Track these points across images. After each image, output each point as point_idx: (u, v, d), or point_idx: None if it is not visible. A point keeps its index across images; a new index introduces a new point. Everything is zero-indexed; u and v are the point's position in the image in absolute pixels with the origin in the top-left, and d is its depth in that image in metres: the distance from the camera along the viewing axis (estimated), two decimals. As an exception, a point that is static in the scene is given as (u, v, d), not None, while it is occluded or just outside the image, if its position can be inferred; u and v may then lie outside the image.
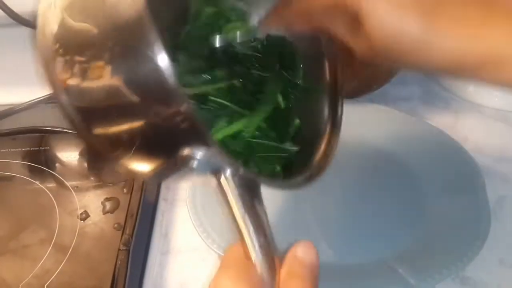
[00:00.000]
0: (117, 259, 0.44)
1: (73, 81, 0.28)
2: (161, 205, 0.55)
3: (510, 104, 0.64)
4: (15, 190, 0.54)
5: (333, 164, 0.48)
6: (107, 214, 0.50)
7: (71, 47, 0.28)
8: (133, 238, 0.46)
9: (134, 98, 0.26)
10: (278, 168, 0.39)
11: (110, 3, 0.26)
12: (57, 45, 0.29)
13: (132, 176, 0.33)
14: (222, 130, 0.38)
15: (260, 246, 0.28)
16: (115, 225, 0.48)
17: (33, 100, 0.68)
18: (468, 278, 0.45)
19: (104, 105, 0.27)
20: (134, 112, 0.27)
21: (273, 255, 0.28)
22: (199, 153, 0.27)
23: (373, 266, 0.45)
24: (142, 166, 0.30)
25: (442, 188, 0.51)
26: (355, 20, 0.31)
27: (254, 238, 0.28)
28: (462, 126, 0.62)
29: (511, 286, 0.45)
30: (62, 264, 0.45)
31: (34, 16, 0.62)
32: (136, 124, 0.27)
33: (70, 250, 0.46)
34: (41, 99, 0.68)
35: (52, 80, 0.30)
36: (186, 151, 0.27)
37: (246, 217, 0.28)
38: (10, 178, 0.55)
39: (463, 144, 0.55)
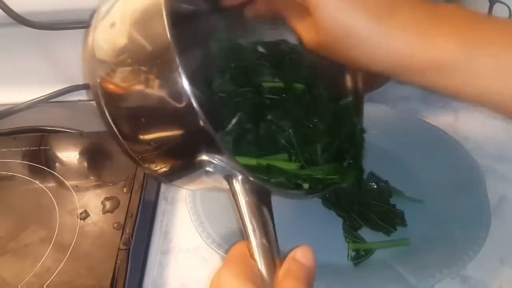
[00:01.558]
0: (117, 258, 0.44)
1: (135, 87, 0.31)
2: (161, 205, 0.55)
3: (510, 104, 0.64)
4: (15, 189, 0.54)
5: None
6: (107, 214, 0.50)
7: (138, 59, 0.31)
8: (133, 237, 0.46)
9: (167, 113, 0.30)
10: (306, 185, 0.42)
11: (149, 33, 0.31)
12: (124, 56, 0.32)
13: (152, 174, 0.37)
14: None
15: (263, 247, 0.30)
16: (115, 225, 0.48)
17: (33, 99, 0.68)
18: (469, 277, 0.45)
19: (147, 112, 0.31)
20: (165, 123, 0.31)
21: (274, 256, 0.30)
22: (216, 159, 0.31)
23: (373, 266, 0.45)
24: (163, 166, 0.34)
25: (442, 188, 0.51)
26: (305, 10, 0.32)
27: (258, 239, 0.30)
28: (462, 126, 0.62)
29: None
30: (62, 263, 0.45)
31: (34, 15, 0.62)
32: (166, 132, 0.31)
33: (70, 250, 0.46)
34: (41, 99, 0.68)
35: (105, 85, 0.33)
36: (204, 156, 0.31)
37: (253, 219, 0.31)
38: (10, 178, 0.55)
39: (463, 144, 0.55)
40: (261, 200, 0.32)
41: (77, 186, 0.53)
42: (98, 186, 0.53)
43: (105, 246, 0.46)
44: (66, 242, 0.47)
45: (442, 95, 0.32)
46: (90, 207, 0.51)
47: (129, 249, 0.45)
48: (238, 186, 0.32)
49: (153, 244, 0.50)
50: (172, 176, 0.36)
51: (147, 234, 0.51)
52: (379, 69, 0.32)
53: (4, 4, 0.58)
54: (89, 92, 0.70)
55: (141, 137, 0.32)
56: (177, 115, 0.30)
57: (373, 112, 0.61)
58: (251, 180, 0.32)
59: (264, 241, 0.30)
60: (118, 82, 0.32)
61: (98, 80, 0.33)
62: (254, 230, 0.31)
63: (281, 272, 0.29)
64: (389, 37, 0.30)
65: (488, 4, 0.57)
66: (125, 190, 0.52)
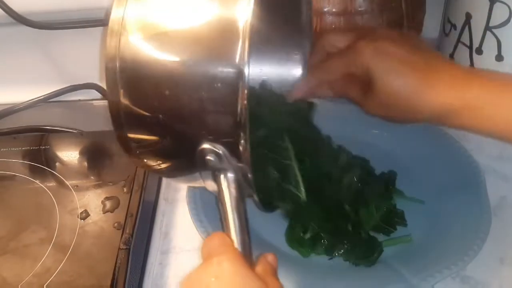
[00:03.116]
0: (117, 258, 0.44)
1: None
2: (161, 205, 0.55)
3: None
4: (15, 189, 0.54)
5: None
6: (107, 213, 0.50)
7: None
8: (133, 237, 0.46)
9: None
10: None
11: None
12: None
13: (149, 169, 0.38)
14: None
15: (244, 243, 0.33)
16: (115, 224, 0.48)
17: (33, 99, 0.68)
18: (469, 277, 0.45)
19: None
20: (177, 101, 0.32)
21: (252, 253, 0.33)
22: (218, 150, 0.32)
23: (373, 266, 0.45)
24: (160, 141, 0.35)
25: (442, 188, 0.51)
26: (365, 85, 0.42)
27: (241, 236, 0.33)
28: (462, 126, 0.62)
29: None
30: (62, 263, 0.45)
31: (34, 15, 0.62)
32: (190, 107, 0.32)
33: (70, 249, 0.46)
34: (41, 99, 0.68)
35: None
36: (207, 145, 0.32)
37: (238, 217, 0.33)
38: (10, 177, 0.55)
39: (463, 144, 0.55)
40: (243, 200, 0.34)
41: (77, 186, 0.53)
42: (98, 186, 0.53)
43: (105, 246, 0.46)
44: (66, 242, 0.47)
45: (476, 133, 0.42)
46: (90, 206, 0.51)
47: (129, 249, 0.45)
48: (226, 182, 0.34)
49: (153, 244, 0.50)
50: (163, 156, 0.36)
51: (147, 234, 0.51)
52: (425, 117, 0.42)
53: (4, 4, 0.58)
54: (89, 92, 0.70)
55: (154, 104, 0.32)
56: (217, 87, 0.30)
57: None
58: (238, 180, 0.34)
59: (246, 238, 0.33)
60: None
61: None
62: (238, 227, 0.33)
63: (259, 269, 0.32)
64: (433, 91, 0.40)
65: (488, 4, 0.57)
66: (125, 189, 0.52)
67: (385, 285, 0.43)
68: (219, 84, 0.30)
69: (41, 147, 0.59)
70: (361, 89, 0.43)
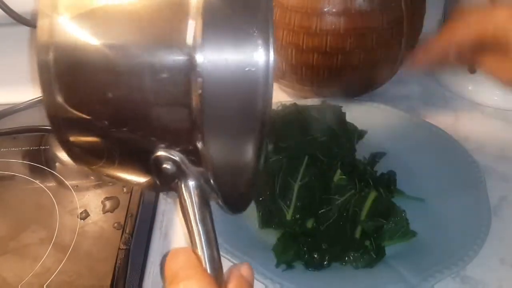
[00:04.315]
0: (117, 258, 0.44)
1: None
2: (161, 205, 0.55)
3: (510, 103, 0.64)
4: (15, 189, 0.54)
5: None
6: (107, 213, 0.50)
7: None
8: (133, 237, 0.46)
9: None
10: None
11: None
12: None
13: (101, 178, 0.34)
14: None
15: (213, 259, 0.29)
16: (115, 224, 0.48)
17: (33, 99, 0.68)
18: (469, 277, 0.45)
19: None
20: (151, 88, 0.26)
21: (221, 269, 0.29)
22: (174, 157, 0.28)
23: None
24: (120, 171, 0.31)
25: (442, 188, 0.51)
26: (502, 51, 0.38)
27: (209, 251, 0.29)
28: (462, 125, 0.62)
29: (512, 286, 0.45)
30: (62, 263, 0.45)
31: (34, 15, 0.62)
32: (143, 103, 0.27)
33: (70, 249, 0.46)
34: (41, 99, 0.68)
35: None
36: (161, 152, 0.28)
37: (202, 228, 0.29)
38: (10, 178, 0.55)
39: (463, 143, 0.55)
40: (208, 209, 0.30)
41: (77, 186, 0.53)
42: (98, 186, 0.53)
43: (105, 246, 0.46)
44: (66, 242, 0.47)
45: None
46: (90, 207, 0.51)
47: (129, 249, 0.45)
48: (187, 191, 0.29)
49: (153, 244, 0.50)
50: (112, 165, 0.31)
51: (147, 234, 0.51)
52: None
53: (4, 4, 0.58)
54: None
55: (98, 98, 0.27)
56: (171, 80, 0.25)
57: (373, 112, 0.61)
58: (201, 186, 0.30)
59: (215, 253, 0.29)
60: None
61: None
62: (205, 241, 0.29)
63: (232, 286, 0.29)
64: None
65: (488, 4, 0.57)
66: (125, 190, 0.52)
67: (385, 285, 0.43)
68: (165, 75, 0.25)
69: (41, 147, 0.59)
70: (495, 57, 0.39)
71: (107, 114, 0.27)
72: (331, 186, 0.49)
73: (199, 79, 0.25)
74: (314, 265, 0.45)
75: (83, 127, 0.28)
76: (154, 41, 0.26)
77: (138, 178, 0.32)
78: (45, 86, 0.28)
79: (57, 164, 0.57)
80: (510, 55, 0.38)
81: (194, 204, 0.29)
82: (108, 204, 0.51)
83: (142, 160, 0.28)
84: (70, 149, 0.30)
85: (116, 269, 0.44)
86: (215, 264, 0.29)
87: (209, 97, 0.25)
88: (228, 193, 0.31)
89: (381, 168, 0.54)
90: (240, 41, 0.34)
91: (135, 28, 0.26)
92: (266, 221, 0.48)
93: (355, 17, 0.55)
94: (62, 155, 0.59)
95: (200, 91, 0.25)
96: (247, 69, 0.26)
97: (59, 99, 0.28)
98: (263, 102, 0.33)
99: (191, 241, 0.29)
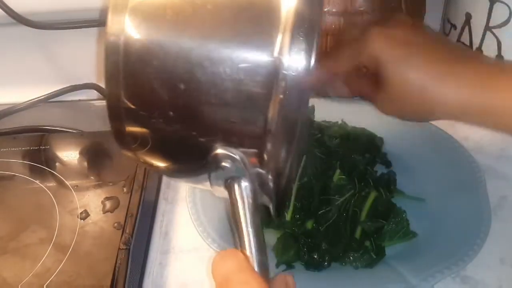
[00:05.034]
0: (117, 258, 0.44)
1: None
2: (161, 205, 0.55)
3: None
4: (15, 189, 0.54)
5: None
6: (107, 213, 0.50)
7: None
8: (133, 237, 0.46)
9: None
10: None
11: None
12: None
13: (148, 168, 0.33)
14: None
15: (262, 265, 0.28)
16: (115, 224, 0.48)
17: (33, 99, 0.68)
18: (469, 277, 0.45)
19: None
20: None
21: (268, 276, 0.28)
22: (234, 155, 0.27)
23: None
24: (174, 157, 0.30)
25: (442, 188, 0.51)
26: (377, 78, 0.38)
27: (259, 257, 0.28)
28: (462, 126, 0.62)
29: (512, 286, 0.45)
30: (62, 263, 0.45)
31: (34, 15, 0.62)
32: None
33: (70, 249, 0.46)
34: (41, 99, 0.68)
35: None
36: (223, 149, 0.27)
37: (253, 232, 0.28)
38: (10, 178, 0.55)
39: (463, 144, 0.55)
40: (259, 214, 0.29)
41: (77, 186, 0.53)
42: (98, 186, 0.53)
43: (105, 246, 0.46)
44: (66, 242, 0.47)
45: (496, 130, 0.39)
46: (90, 207, 0.51)
47: (129, 249, 0.45)
48: (241, 193, 0.28)
49: (153, 244, 0.50)
50: (166, 158, 0.31)
51: (147, 234, 0.51)
52: (441, 113, 0.38)
53: (4, 4, 0.58)
54: (89, 92, 0.70)
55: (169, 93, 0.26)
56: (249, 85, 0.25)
57: (374, 112, 0.61)
58: (255, 190, 0.29)
59: (265, 259, 0.28)
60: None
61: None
62: (255, 246, 0.28)
63: None
64: (452, 85, 0.36)
65: (488, 4, 0.57)
66: (125, 189, 0.52)
67: (385, 285, 0.43)
68: (247, 75, 0.24)
69: (41, 147, 0.59)
70: (374, 84, 0.39)
71: (174, 107, 0.26)
72: (331, 186, 0.49)
73: (283, 83, 0.24)
74: (314, 265, 0.45)
75: (145, 119, 0.27)
76: (241, 37, 0.25)
77: (189, 173, 0.31)
78: (111, 76, 0.26)
79: (57, 164, 0.57)
80: (384, 85, 0.37)
81: (247, 206, 0.28)
82: (108, 204, 0.51)
83: (200, 155, 0.28)
84: (123, 139, 0.29)
85: (116, 269, 0.43)
86: (264, 271, 0.28)
87: (287, 103, 0.25)
88: (278, 198, 0.31)
89: (381, 168, 0.54)
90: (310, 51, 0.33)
91: (220, 23, 0.25)
92: (266, 222, 0.48)
93: (355, 17, 0.55)
94: (62, 155, 0.59)
95: (282, 96, 0.24)
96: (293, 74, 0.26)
97: (125, 90, 0.27)
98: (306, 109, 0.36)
99: (240, 243, 0.28)
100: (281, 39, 0.24)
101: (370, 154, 0.55)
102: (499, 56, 0.60)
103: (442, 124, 0.58)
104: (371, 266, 0.45)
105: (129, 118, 0.28)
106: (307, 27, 0.26)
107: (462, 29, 0.62)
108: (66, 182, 0.54)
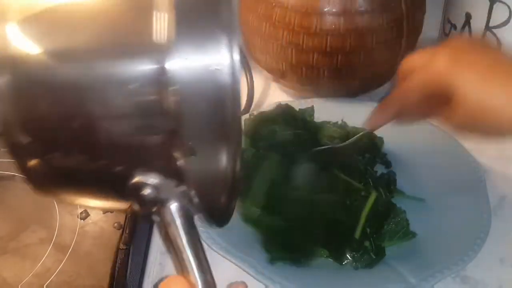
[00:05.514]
0: (117, 258, 0.44)
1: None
2: (161, 205, 0.54)
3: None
4: (15, 189, 0.54)
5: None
6: (107, 213, 0.50)
7: None
8: (133, 237, 0.46)
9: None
10: None
11: None
12: None
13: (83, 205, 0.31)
14: None
15: (207, 283, 0.27)
16: (115, 224, 0.48)
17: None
18: (469, 277, 0.45)
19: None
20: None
21: None
22: (153, 180, 0.25)
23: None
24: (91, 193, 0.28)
25: (442, 188, 0.51)
26: (448, 101, 0.37)
27: (203, 276, 0.27)
28: (462, 126, 0.62)
29: (512, 286, 0.45)
30: (62, 263, 0.45)
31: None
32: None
33: (70, 250, 0.46)
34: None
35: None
36: (138, 177, 0.25)
37: (192, 253, 0.27)
38: (10, 178, 0.55)
39: (463, 144, 0.55)
40: (195, 231, 0.28)
41: (77, 186, 0.53)
42: (98, 186, 0.53)
43: (105, 246, 0.46)
44: (66, 242, 0.47)
45: None
46: (90, 207, 0.51)
47: (129, 249, 0.45)
48: (171, 215, 0.27)
49: (153, 244, 0.50)
50: (80, 193, 0.28)
51: (147, 234, 0.51)
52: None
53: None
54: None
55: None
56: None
57: (373, 112, 0.61)
58: (185, 207, 0.27)
59: (209, 277, 0.27)
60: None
61: None
62: (197, 266, 0.27)
63: None
64: None
65: (488, 4, 0.57)
66: (125, 190, 0.52)
67: (385, 285, 0.43)
68: (133, 86, 0.22)
69: (41, 147, 0.59)
70: (444, 106, 0.38)
71: (70, 138, 0.24)
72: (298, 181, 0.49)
73: (173, 87, 0.23)
74: (299, 261, 0.45)
75: (45, 152, 0.25)
76: (117, 47, 0.23)
77: (115, 205, 0.29)
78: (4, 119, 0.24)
79: (57, 164, 0.57)
80: (457, 107, 0.37)
81: (181, 227, 0.27)
82: (108, 204, 0.51)
83: (118, 187, 0.26)
84: (30, 176, 0.26)
85: (116, 269, 0.44)
86: (213, 287, 0.27)
87: (185, 105, 0.23)
88: (212, 208, 0.29)
89: (381, 168, 0.54)
90: (203, 39, 0.28)
91: (95, 35, 0.23)
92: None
93: (355, 17, 0.55)
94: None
95: (176, 98, 0.23)
96: (212, 68, 0.24)
97: (17, 122, 0.24)
98: (232, 104, 0.28)
99: (182, 268, 0.27)
100: (161, 35, 0.22)
101: (370, 154, 0.55)
102: (499, 56, 0.60)
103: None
104: (371, 266, 0.45)
105: (29, 153, 0.25)
106: (186, 17, 0.24)
107: (462, 29, 0.62)
108: (66, 182, 0.54)
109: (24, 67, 0.23)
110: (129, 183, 0.25)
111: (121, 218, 0.48)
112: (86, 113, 0.23)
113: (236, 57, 0.26)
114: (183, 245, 0.27)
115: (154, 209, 0.27)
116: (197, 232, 0.28)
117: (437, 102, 0.39)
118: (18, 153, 0.25)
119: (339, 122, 0.58)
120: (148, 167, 0.25)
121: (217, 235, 0.46)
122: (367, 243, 0.46)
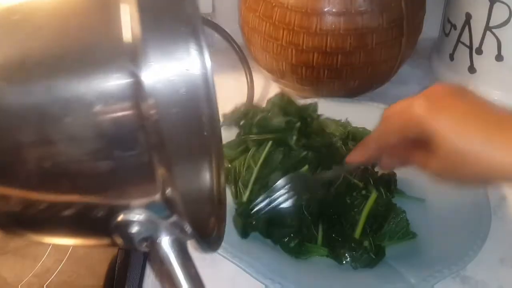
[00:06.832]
0: (117, 258, 0.44)
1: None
2: (161, 205, 0.54)
3: (510, 103, 0.64)
4: (15, 189, 0.54)
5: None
6: (107, 214, 0.50)
7: None
8: (133, 237, 0.46)
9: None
10: None
11: None
12: None
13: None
14: None
15: None
16: (115, 225, 0.48)
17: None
18: (469, 277, 0.45)
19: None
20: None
21: None
22: (139, 216, 0.23)
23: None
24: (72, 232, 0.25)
25: (442, 188, 0.51)
26: (427, 148, 0.37)
27: None
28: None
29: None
30: (62, 263, 0.45)
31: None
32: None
33: (70, 250, 0.46)
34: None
35: None
36: (123, 215, 0.22)
37: (192, 285, 0.26)
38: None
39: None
40: (190, 261, 0.26)
41: (77, 186, 0.53)
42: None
43: (105, 246, 0.46)
44: (66, 242, 0.47)
45: None
46: (90, 207, 0.51)
47: (129, 249, 0.45)
48: (164, 249, 0.25)
49: (153, 244, 0.50)
50: (62, 235, 0.26)
51: (147, 234, 0.51)
52: (500, 178, 0.37)
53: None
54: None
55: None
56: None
57: (373, 112, 0.60)
58: (178, 239, 0.25)
59: None
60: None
61: None
62: None
63: None
64: (497, 149, 0.35)
65: (488, 4, 0.57)
66: (125, 190, 0.52)
67: (385, 285, 0.43)
68: (103, 106, 0.19)
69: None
70: (424, 153, 0.38)
71: (39, 181, 0.21)
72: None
73: (151, 100, 0.19)
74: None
75: (11, 196, 0.22)
76: (81, 56, 0.20)
77: (100, 242, 0.27)
78: None
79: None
80: (436, 153, 0.37)
81: (176, 260, 0.25)
82: (108, 204, 0.51)
83: (99, 227, 0.23)
84: (3, 223, 0.24)
85: (116, 269, 0.44)
86: None
87: (163, 116, 0.20)
88: (203, 232, 0.28)
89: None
90: (173, 44, 0.26)
91: (53, 40, 0.20)
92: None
93: (355, 17, 0.55)
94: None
95: (154, 112, 0.19)
96: (186, 70, 0.22)
97: None
98: (208, 111, 0.26)
99: None
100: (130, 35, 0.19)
101: None
102: (499, 56, 0.60)
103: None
104: (371, 266, 0.45)
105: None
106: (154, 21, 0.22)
107: (462, 29, 0.62)
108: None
109: None
110: (113, 223, 0.22)
111: (121, 218, 0.48)
112: (39, 141, 0.20)
113: (207, 59, 0.24)
114: (182, 279, 0.25)
115: (144, 245, 0.24)
116: (193, 265, 0.26)
117: (417, 148, 0.39)
118: None
119: (343, 120, 0.58)
120: (131, 201, 0.22)
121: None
122: (366, 243, 0.46)
